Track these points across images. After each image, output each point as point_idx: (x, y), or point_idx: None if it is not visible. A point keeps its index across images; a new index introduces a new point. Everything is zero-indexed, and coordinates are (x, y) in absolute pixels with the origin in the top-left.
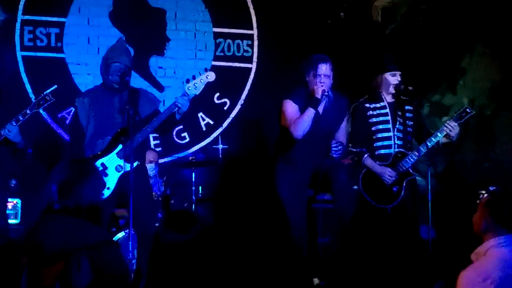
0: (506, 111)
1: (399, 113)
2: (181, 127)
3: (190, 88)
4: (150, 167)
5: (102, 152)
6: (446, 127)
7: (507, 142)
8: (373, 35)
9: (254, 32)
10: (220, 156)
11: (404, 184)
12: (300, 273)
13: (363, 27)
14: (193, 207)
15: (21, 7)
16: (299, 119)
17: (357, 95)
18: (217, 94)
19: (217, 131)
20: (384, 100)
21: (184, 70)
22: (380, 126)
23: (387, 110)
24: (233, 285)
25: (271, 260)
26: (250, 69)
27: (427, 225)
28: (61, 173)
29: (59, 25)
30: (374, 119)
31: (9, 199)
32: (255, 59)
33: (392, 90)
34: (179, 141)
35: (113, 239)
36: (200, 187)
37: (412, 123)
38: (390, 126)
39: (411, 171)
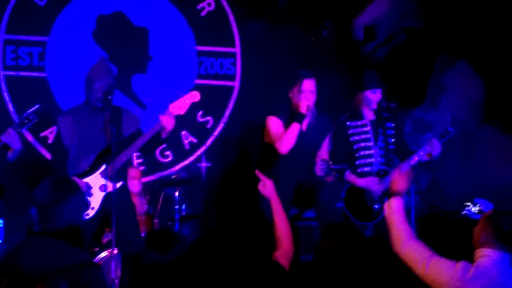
0: (488, 127)
1: (381, 130)
2: (165, 145)
3: (174, 108)
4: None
5: (86, 171)
6: (429, 146)
7: (491, 158)
8: (355, 52)
9: (237, 50)
10: (204, 174)
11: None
12: None
13: (346, 45)
14: (177, 226)
15: (3, 26)
16: (284, 134)
17: (339, 113)
18: (201, 112)
19: (201, 149)
20: (365, 117)
21: (167, 88)
22: (362, 144)
23: (368, 128)
24: None
25: (254, 279)
26: (233, 87)
27: None
28: (43, 194)
29: (41, 44)
30: (356, 137)
31: None
32: (238, 77)
33: (373, 107)
34: (163, 160)
35: (96, 258)
36: (183, 205)
37: (393, 140)
38: (371, 143)
39: None
